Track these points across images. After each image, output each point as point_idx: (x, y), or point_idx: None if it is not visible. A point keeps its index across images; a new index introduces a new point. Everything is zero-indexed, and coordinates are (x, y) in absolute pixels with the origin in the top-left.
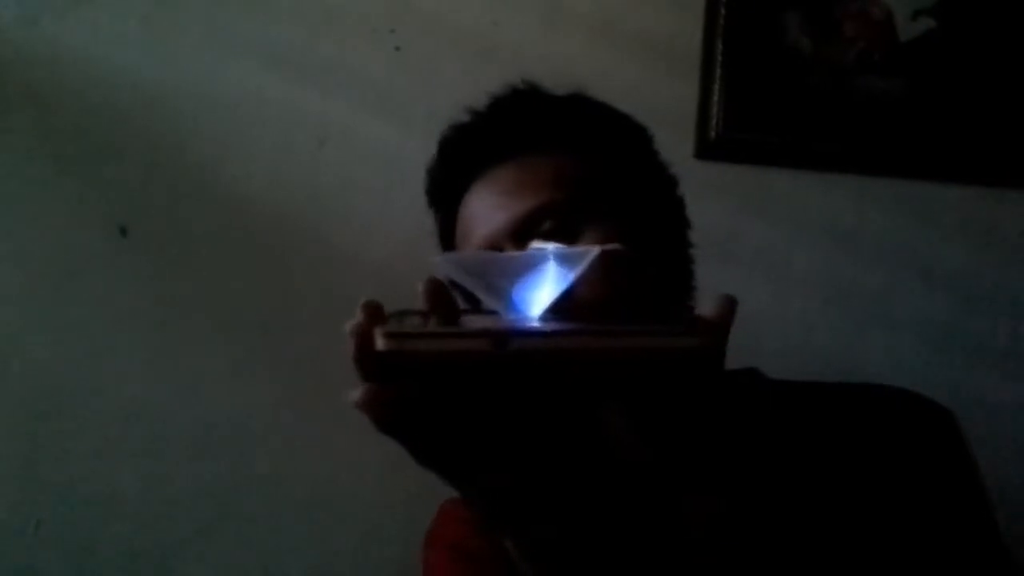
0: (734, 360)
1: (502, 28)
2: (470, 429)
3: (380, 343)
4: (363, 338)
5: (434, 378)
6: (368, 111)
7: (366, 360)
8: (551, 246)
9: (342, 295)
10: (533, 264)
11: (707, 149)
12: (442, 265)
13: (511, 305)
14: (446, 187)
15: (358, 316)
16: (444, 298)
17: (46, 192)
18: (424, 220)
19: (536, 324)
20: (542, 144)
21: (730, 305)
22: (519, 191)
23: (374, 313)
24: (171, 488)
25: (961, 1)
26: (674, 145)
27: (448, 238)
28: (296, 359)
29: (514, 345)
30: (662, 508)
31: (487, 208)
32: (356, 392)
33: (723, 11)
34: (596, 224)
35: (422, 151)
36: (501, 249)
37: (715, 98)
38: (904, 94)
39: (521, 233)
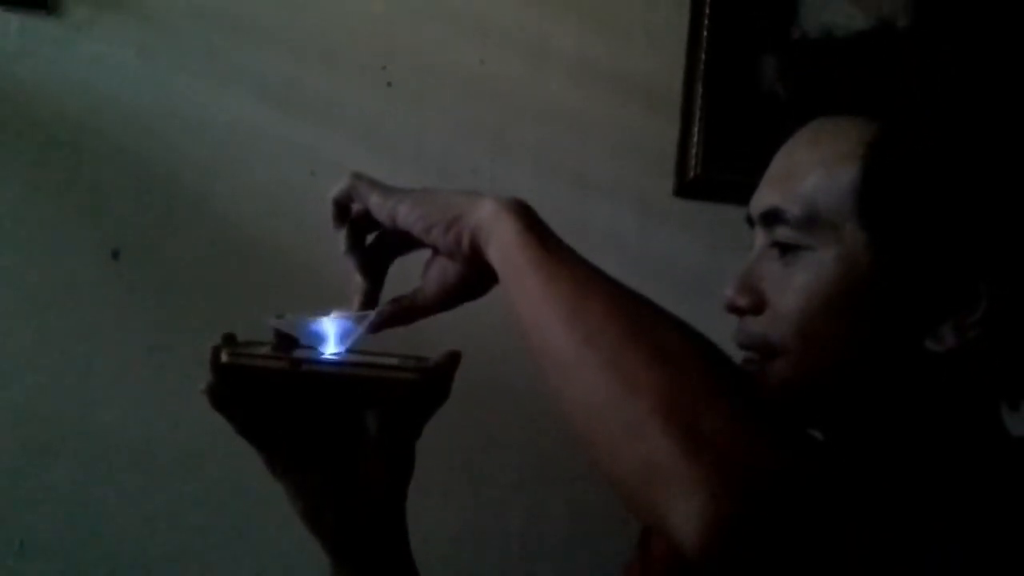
0: None
1: (489, 66)
2: (269, 414)
3: (223, 357)
4: (214, 352)
5: (254, 380)
6: (359, 144)
7: (213, 366)
8: (343, 314)
9: None
10: (332, 324)
11: (687, 187)
12: (277, 323)
13: (320, 346)
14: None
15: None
16: (286, 337)
17: (40, 216)
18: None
19: (322, 357)
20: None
21: (451, 358)
22: (790, 158)
23: (227, 339)
24: (158, 506)
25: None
26: (655, 183)
27: None
28: None
29: (304, 367)
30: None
31: (773, 167)
32: (202, 383)
33: (703, 55)
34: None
35: (410, 184)
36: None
37: (695, 138)
38: None
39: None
